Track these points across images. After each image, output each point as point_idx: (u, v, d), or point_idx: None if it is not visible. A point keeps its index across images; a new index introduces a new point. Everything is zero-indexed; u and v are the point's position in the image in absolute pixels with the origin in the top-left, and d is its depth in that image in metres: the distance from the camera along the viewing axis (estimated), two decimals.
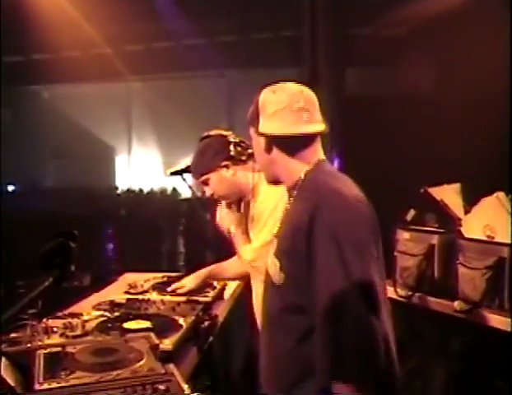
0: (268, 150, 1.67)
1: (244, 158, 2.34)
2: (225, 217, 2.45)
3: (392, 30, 7.96)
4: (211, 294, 2.71)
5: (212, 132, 2.44)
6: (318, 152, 1.67)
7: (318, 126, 1.65)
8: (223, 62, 11.60)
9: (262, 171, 1.84)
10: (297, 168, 1.65)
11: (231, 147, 2.33)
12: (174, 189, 11.77)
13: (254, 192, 2.36)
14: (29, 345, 1.87)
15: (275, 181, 1.76)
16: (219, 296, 2.81)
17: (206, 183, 2.43)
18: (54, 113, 15.80)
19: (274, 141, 1.65)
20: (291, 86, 1.67)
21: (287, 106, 1.61)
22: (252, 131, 1.72)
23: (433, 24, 6.04)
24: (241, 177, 2.38)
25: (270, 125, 1.62)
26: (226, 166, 2.37)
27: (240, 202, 2.47)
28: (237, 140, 2.36)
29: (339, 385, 1.39)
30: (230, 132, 2.40)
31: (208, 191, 2.44)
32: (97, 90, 15.34)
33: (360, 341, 1.40)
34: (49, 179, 16.19)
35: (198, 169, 2.43)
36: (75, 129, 15.57)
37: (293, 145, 1.64)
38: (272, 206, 2.21)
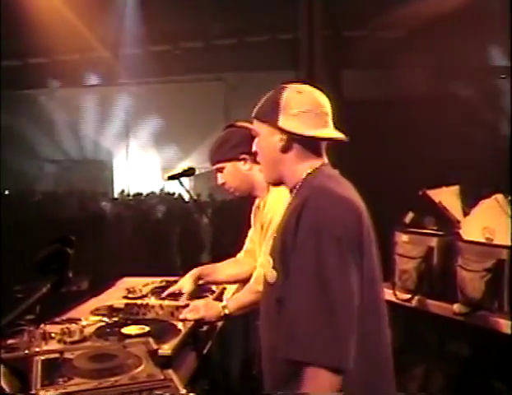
0: (286, 149, 1.64)
1: None
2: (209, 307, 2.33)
3: (388, 32, 7.99)
4: (210, 298, 2.69)
5: (238, 123, 2.43)
6: (323, 156, 1.68)
7: (337, 132, 1.65)
8: (220, 66, 11.61)
9: (265, 170, 1.75)
10: (302, 170, 1.65)
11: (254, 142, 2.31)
12: (171, 193, 11.75)
13: (267, 191, 2.35)
14: (26, 351, 1.84)
15: (278, 182, 1.74)
16: (218, 300, 2.78)
17: (220, 170, 2.43)
18: (51, 117, 15.79)
19: (295, 142, 1.62)
20: (313, 90, 1.67)
21: (313, 109, 1.61)
22: (262, 126, 1.68)
23: (430, 26, 6.05)
24: (256, 174, 2.35)
25: (294, 124, 1.60)
26: (244, 159, 2.37)
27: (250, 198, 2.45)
28: None
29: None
30: None
31: (220, 179, 2.44)
32: (94, 93, 15.35)
33: (322, 327, 1.42)
34: (46, 183, 16.14)
35: (216, 156, 2.42)
36: (72, 133, 15.55)
37: (308, 148, 1.64)
38: (278, 217, 2.19)
